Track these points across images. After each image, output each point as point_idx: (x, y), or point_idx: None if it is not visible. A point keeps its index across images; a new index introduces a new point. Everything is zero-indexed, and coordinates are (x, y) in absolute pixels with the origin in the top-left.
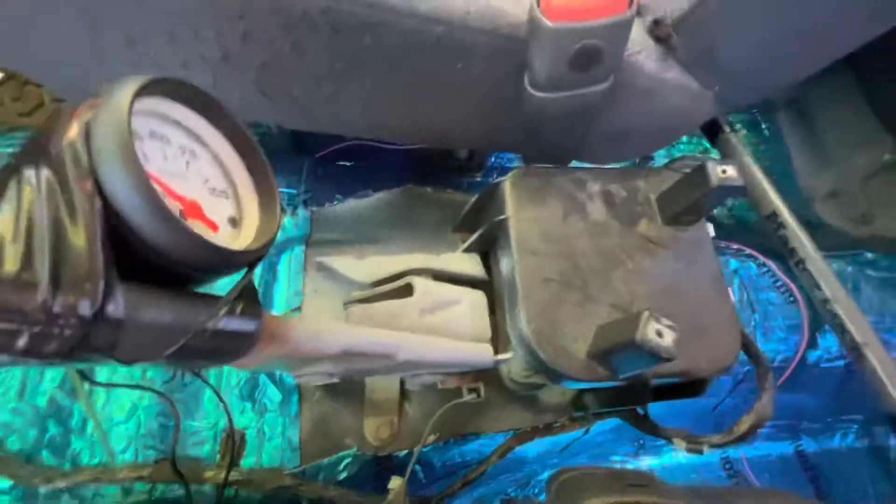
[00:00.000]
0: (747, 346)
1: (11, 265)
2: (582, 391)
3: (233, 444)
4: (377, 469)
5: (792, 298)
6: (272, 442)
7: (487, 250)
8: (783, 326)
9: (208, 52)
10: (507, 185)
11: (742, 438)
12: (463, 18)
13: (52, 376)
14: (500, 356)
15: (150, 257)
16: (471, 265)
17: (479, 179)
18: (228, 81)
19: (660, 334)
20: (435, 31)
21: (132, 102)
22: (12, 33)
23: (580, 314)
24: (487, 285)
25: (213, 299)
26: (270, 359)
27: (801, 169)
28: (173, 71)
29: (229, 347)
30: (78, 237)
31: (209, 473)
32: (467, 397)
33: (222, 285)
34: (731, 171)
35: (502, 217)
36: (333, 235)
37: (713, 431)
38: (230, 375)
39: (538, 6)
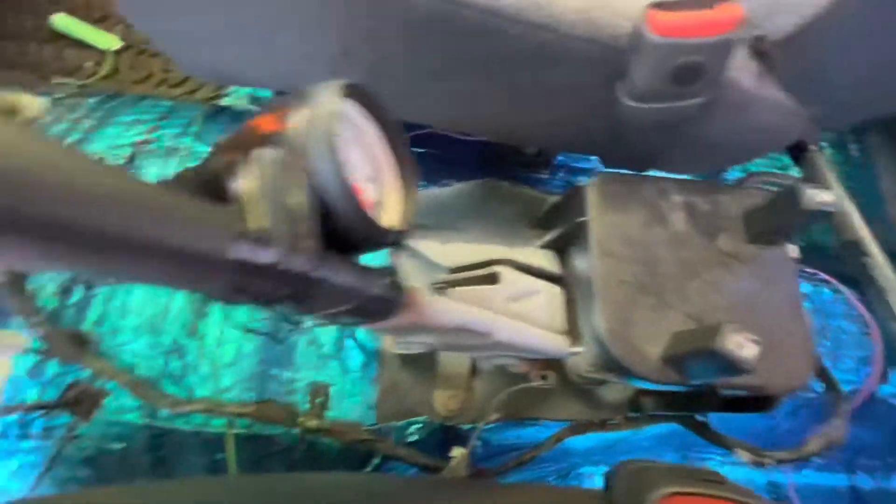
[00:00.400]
0: (821, 370)
1: (255, 223)
2: (641, 392)
3: (320, 397)
4: (443, 437)
5: (866, 329)
6: (352, 399)
7: (564, 248)
8: (854, 357)
9: (331, 48)
10: (590, 188)
11: (807, 458)
12: (570, 27)
13: (175, 317)
14: (574, 349)
15: (337, 231)
16: (547, 261)
17: (545, 177)
18: (343, 76)
19: (741, 346)
20: (540, 38)
21: (338, 105)
22: (165, 11)
23: (654, 318)
24: (561, 282)
25: (371, 269)
26: (401, 324)
27: (889, 194)
28: (297, 62)
29: (380, 310)
30: (299, 205)
31: (300, 419)
32: (536, 383)
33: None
34: (826, 196)
35: (584, 219)
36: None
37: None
38: (321, 336)
39: (645, 20)
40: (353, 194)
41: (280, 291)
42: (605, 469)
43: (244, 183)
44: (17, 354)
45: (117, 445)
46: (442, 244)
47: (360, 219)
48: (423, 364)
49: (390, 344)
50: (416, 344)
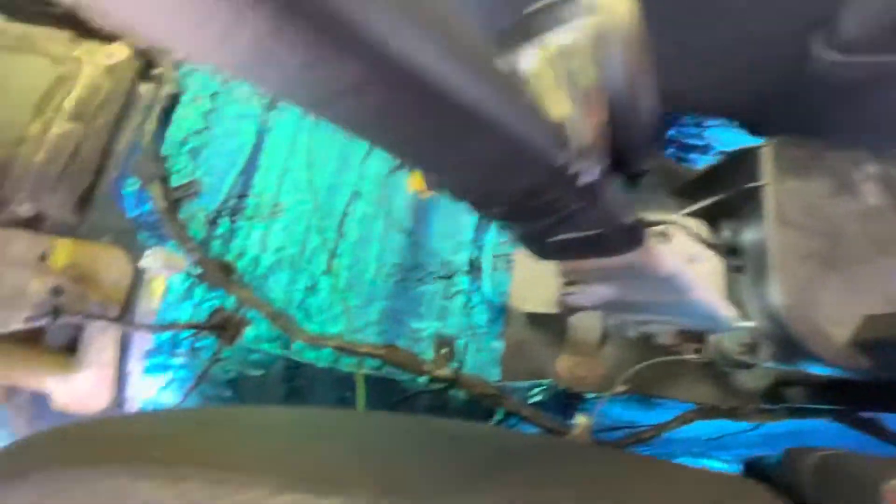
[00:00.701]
0: None
1: (559, 111)
2: (783, 383)
3: (446, 348)
4: (564, 402)
5: None
6: (479, 354)
7: (716, 218)
8: None
9: None
10: (766, 151)
11: None
12: None
13: (310, 255)
14: (742, 322)
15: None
16: (702, 229)
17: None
18: None
19: None
20: None
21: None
22: None
23: (843, 298)
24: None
25: (628, 199)
26: (622, 264)
27: None
28: None
29: (620, 244)
30: (588, 118)
31: (426, 367)
32: (689, 356)
33: None
34: None
35: (756, 184)
36: None
37: None
38: (450, 289)
39: None
40: (648, 98)
41: (562, 200)
42: (706, 462)
43: (534, 70)
44: (175, 275)
45: (256, 372)
46: None
47: (644, 127)
48: (550, 326)
49: (519, 302)
50: (584, 297)
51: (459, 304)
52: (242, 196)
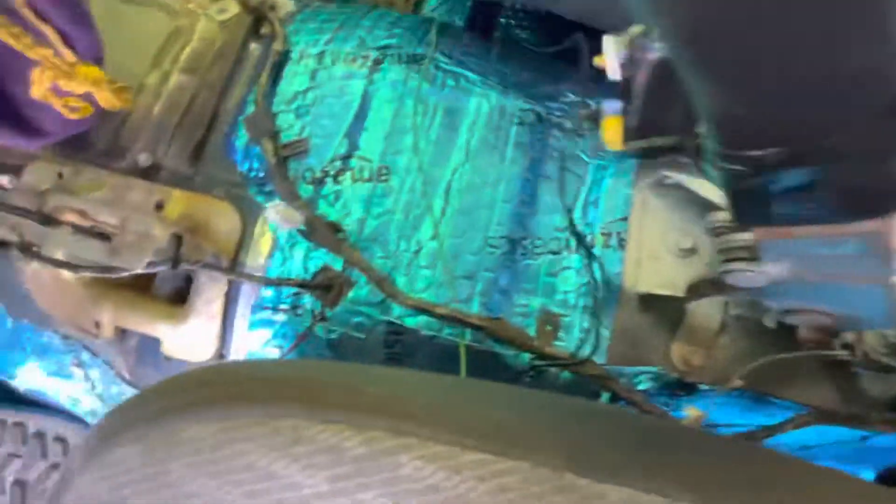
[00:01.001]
0: None
1: None
2: None
3: (550, 326)
4: (672, 393)
5: None
6: (584, 334)
7: None
8: None
9: None
10: None
11: None
12: None
13: (413, 220)
14: None
15: None
16: None
17: None
18: None
19: None
20: None
21: None
22: None
23: None
24: None
25: None
26: (854, 231)
27: None
28: None
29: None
30: None
31: (535, 343)
32: (839, 352)
33: None
34: None
35: None
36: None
37: None
38: (560, 264)
39: None
40: None
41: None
42: None
43: None
44: (284, 231)
45: (357, 335)
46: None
47: None
48: (664, 311)
49: (632, 282)
50: (753, 277)
51: (566, 281)
52: (348, 157)
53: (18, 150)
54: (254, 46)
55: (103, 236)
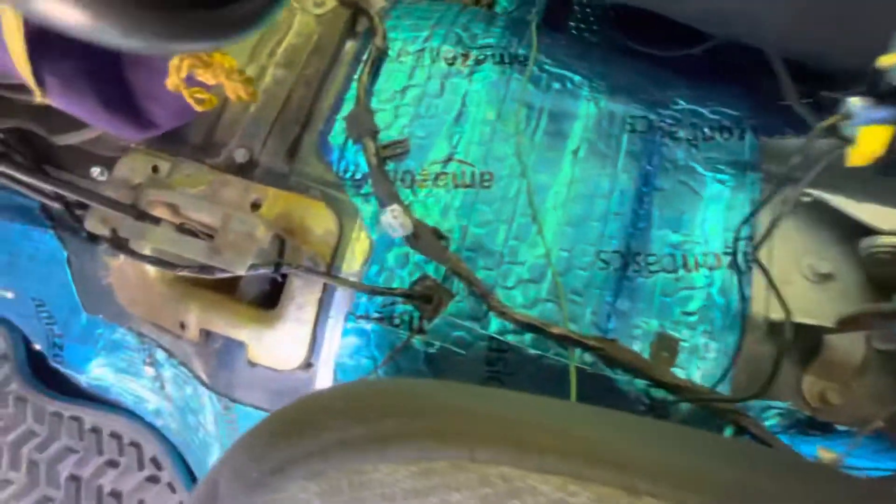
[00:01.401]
0: None
1: None
2: None
3: (667, 351)
4: (803, 432)
5: None
6: (704, 362)
7: None
8: None
9: None
10: None
11: None
12: None
13: (520, 234)
14: None
15: None
16: None
17: None
18: None
19: None
20: None
21: None
22: None
23: None
24: None
25: None
26: None
27: None
28: None
29: None
30: None
31: (654, 370)
32: None
33: None
34: None
35: None
36: (784, 170)
37: None
38: (678, 283)
39: None
40: None
41: None
42: None
43: None
44: (384, 236)
45: (457, 350)
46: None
47: None
48: (796, 340)
49: (762, 308)
50: None
51: (685, 302)
52: (448, 160)
53: (112, 142)
54: (350, 44)
55: (196, 234)
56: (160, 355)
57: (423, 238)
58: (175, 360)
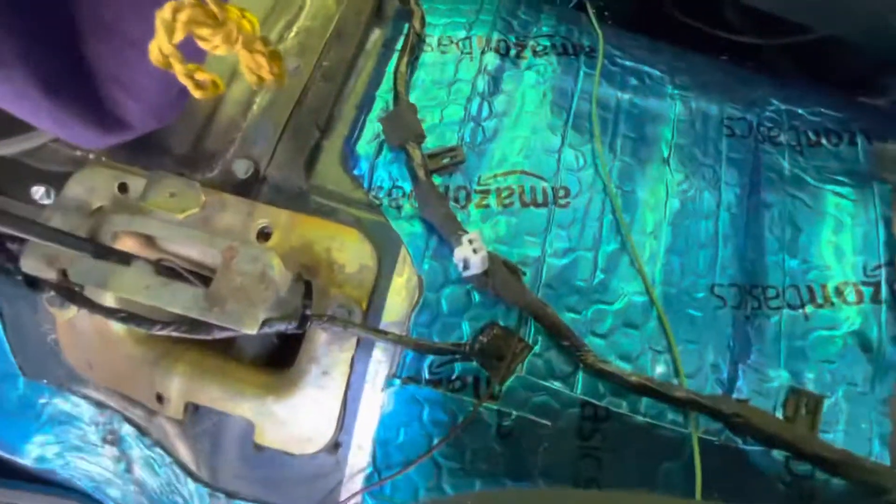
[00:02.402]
0: None
1: None
2: None
3: (807, 410)
4: None
5: None
6: (851, 423)
7: None
8: None
9: None
10: None
11: None
12: None
13: (610, 266)
14: None
15: None
16: None
17: None
18: None
19: None
20: None
21: None
22: None
23: None
24: None
25: None
26: None
27: None
28: None
29: None
30: None
31: (785, 436)
32: None
33: None
34: None
35: None
36: None
37: None
38: (815, 323)
39: None
40: None
41: None
42: None
43: None
44: (474, 272)
45: (539, 420)
46: None
47: None
48: None
49: None
50: None
51: (822, 346)
52: (510, 172)
53: (62, 152)
54: (376, 31)
55: (181, 276)
56: (126, 431)
57: (498, 274)
58: (147, 439)
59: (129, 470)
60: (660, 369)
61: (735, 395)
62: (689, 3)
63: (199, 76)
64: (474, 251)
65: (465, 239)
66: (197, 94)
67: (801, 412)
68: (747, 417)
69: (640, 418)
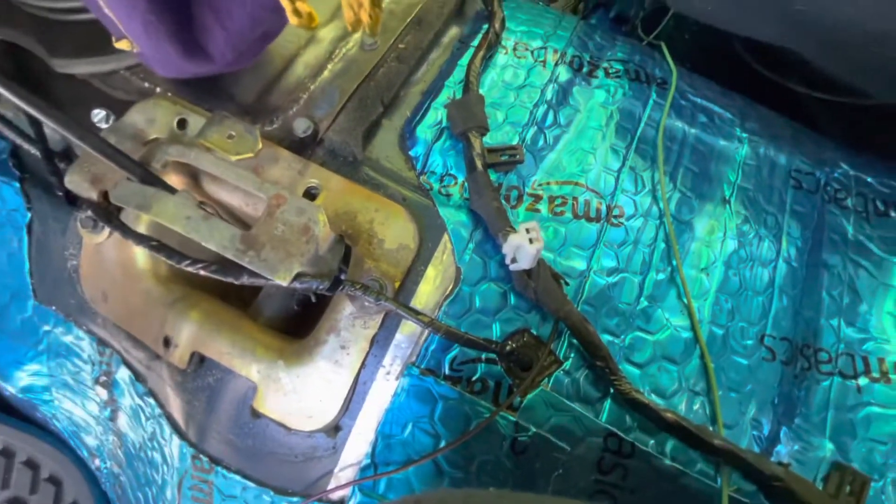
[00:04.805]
0: None
1: None
2: None
3: (851, 485)
4: None
5: None
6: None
7: None
8: None
9: None
10: None
11: None
12: None
13: (657, 294)
14: None
15: None
16: None
17: None
18: None
19: None
20: None
21: None
22: None
23: None
24: None
25: None
26: None
27: None
28: None
29: None
30: None
31: None
32: None
33: None
34: None
35: None
36: None
37: None
38: (851, 397)
39: None
40: None
41: None
42: None
43: None
44: (524, 267)
45: (558, 443)
46: None
47: None
48: None
49: None
50: None
51: (874, 423)
52: (566, 182)
53: (131, 82)
54: (454, 28)
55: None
56: (122, 375)
57: (542, 277)
58: (142, 386)
59: (112, 418)
60: (700, 412)
61: (773, 458)
62: (765, 53)
63: (301, 5)
64: (531, 241)
65: (522, 227)
66: (293, 19)
67: (844, 490)
68: (789, 484)
69: (667, 461)
